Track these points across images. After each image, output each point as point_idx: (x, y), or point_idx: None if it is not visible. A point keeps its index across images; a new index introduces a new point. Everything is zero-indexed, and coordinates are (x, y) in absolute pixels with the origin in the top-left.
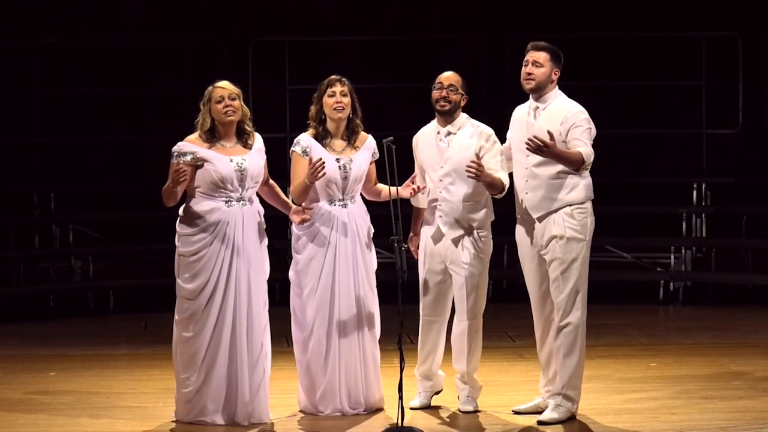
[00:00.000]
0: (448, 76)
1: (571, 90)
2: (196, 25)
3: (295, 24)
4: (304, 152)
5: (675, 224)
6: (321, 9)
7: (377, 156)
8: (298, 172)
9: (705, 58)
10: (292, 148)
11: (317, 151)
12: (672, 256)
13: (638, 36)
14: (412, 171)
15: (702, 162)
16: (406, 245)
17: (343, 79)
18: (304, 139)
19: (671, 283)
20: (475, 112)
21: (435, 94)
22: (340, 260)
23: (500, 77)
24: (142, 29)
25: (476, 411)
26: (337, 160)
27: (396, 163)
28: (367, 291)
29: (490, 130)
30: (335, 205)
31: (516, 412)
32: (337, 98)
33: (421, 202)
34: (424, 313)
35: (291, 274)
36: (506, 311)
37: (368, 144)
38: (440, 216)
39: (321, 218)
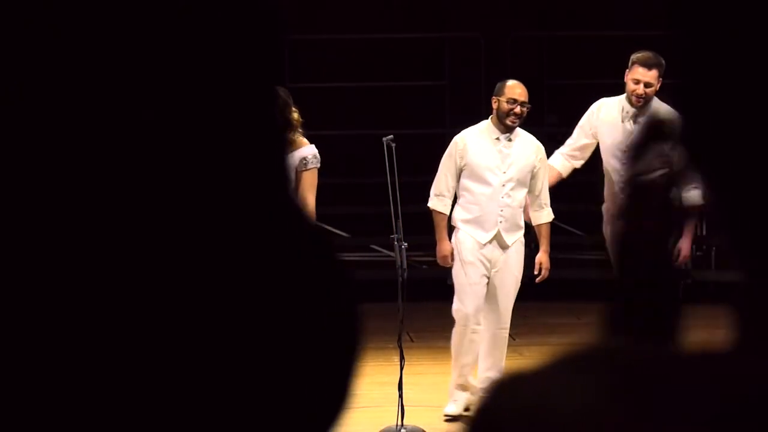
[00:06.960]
0: (522, 92)
1: (571, 88)
2: None
3: (295, 24)
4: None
5: None
6: (321, 8)
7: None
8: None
9: None
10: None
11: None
12: None
13: (638, 35)
14: (413, 168)
15: None
16: (406, 244)
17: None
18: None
19: None
20: (474, 111)
21: (507, 107)
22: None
23: (500, 77)
24: None
25: None
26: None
27: (396, 161)
28: None
29: (540, 144)
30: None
31: None
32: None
33: (445, 209)
34: (471, 323)
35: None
36: None
37: None
38: (501, 221)
39: None
